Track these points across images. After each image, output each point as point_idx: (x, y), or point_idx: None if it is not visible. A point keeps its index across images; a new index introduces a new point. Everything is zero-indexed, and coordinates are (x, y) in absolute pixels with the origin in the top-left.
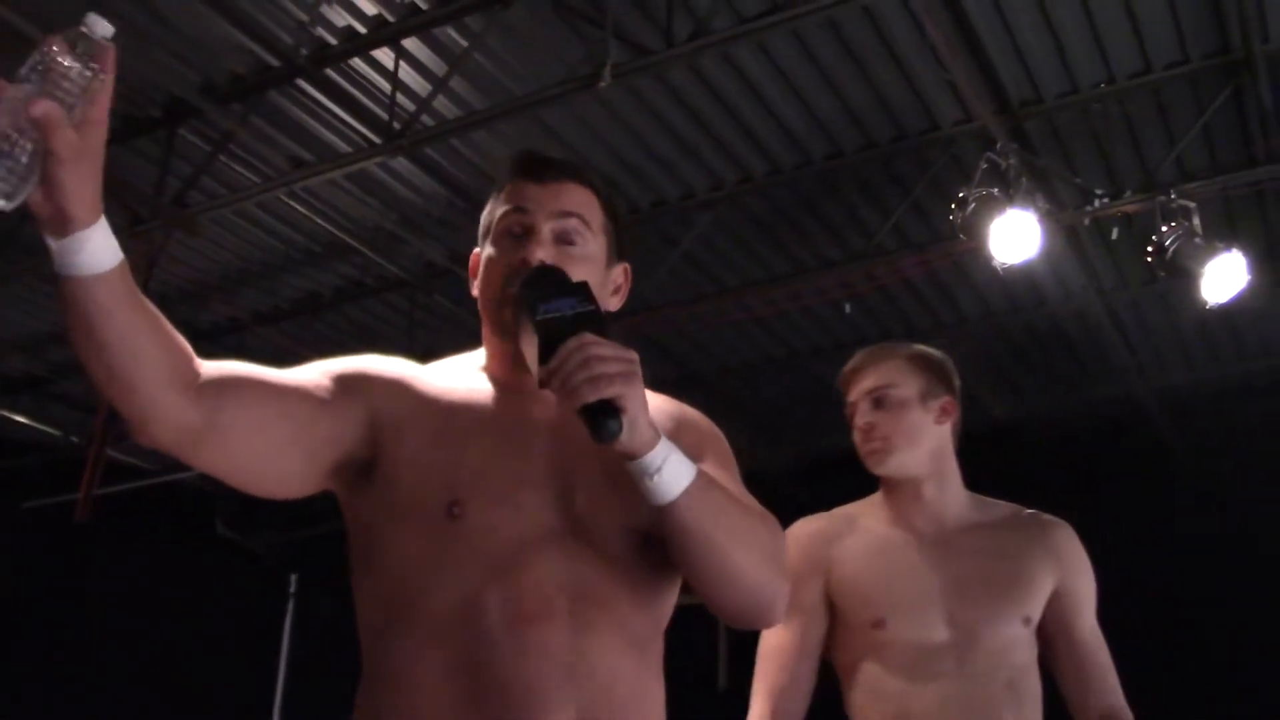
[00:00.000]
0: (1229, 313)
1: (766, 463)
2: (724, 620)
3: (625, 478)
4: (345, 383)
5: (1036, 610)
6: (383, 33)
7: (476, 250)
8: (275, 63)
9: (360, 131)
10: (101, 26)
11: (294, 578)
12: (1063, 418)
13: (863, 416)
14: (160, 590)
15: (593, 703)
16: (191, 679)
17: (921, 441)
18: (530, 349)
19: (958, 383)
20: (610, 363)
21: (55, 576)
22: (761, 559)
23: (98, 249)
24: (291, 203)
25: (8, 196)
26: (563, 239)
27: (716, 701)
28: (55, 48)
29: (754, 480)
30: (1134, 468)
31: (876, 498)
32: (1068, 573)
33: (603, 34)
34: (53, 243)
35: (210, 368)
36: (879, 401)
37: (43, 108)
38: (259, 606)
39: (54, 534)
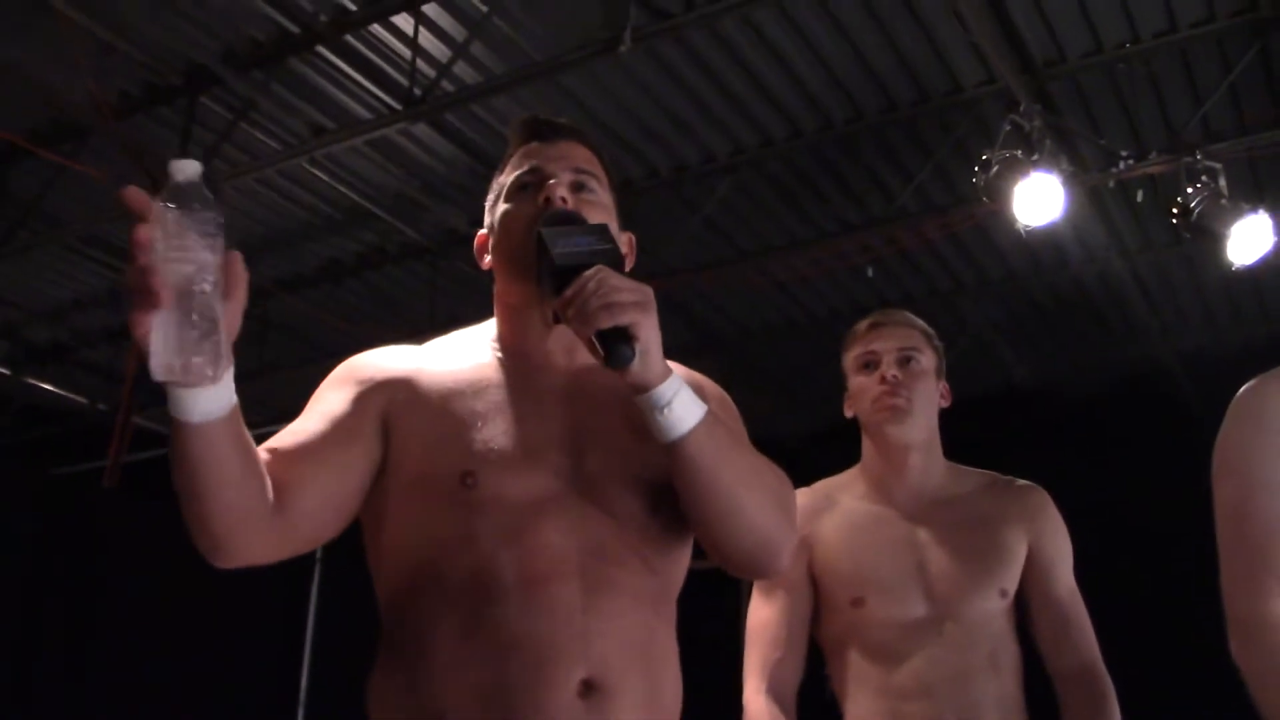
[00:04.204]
0: (1254, 274)
1: (787, 427)
2: (730, 569)
3: (638, 432)
4: (359, 398)
5: (1012, 581)
6: None
7: (482, 231)
8: (295, 29)
9: (381, 98)
10: (191, 168)
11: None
12: (1085, 380)
13: (890, 369)
14: (187, 556)
15: (604, 660)
16: (219, 646)
17: (930, 413)
18: (549, 291)
19: None
20: (625, 292)
21: (83, 542)
22: (769, 502)
23: (228, 391)
24: (313, 170)
25: (215, 364)
26: (577, 187)
27: (739, 666)
28: (194, 203)
29: (774, 445)
30: (1156, 430)
31: (854, 472)
32: (1040, 536)
33: None
34: (190, 390)
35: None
36: (906, 361)
37: (238, 265)
38: (285, 574)
39: (82, 500)
